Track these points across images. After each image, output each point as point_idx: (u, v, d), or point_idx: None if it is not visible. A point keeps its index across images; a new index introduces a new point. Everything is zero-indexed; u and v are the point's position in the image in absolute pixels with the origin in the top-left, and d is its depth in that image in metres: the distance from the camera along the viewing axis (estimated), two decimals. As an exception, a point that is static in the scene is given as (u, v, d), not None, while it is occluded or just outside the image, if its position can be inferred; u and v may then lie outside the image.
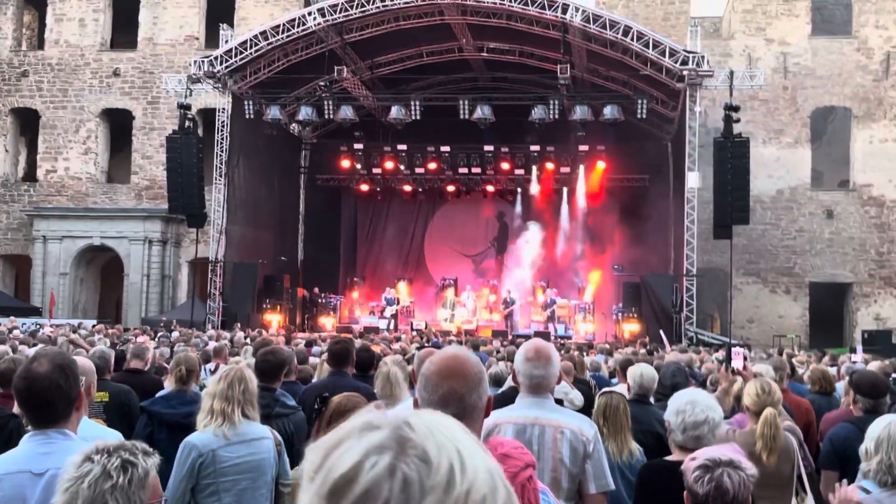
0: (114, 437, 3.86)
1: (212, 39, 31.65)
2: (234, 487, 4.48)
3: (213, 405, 4.50)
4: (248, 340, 15.64)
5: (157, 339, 16.26)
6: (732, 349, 8.80)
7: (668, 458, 4.15)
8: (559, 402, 4.72)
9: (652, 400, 6.54)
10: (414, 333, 24.88)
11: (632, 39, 25.04)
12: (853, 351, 23.54)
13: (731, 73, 26.23)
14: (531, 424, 3.85)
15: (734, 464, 3.03)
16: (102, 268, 34.80)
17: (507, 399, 4.41)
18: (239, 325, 23.81)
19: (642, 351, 16.50)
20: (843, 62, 31.30)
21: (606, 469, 3.97)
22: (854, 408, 5.79)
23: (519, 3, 25.40)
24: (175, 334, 18.66)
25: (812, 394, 8.07)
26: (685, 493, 3.08)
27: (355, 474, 1.03)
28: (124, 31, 34.26)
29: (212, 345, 12.74)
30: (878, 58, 31.14)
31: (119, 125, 34.40)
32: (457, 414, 2.19)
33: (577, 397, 7.67)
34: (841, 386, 8.24)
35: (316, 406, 4.00)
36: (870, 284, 30.93)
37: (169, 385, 6.44)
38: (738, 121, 24.98)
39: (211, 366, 9.85)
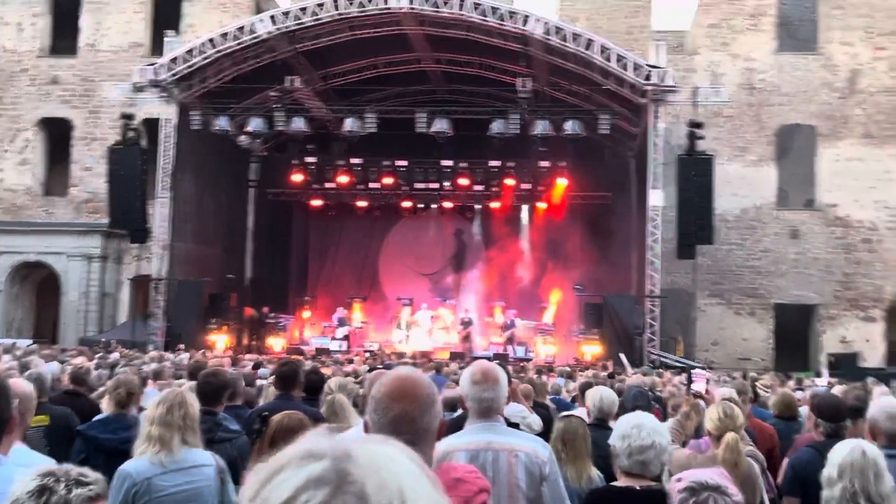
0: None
1: (157, 47, 30.43)
2: None
3: (150, 431, 4.32)
4: (192, 362, 14.79)
5: (95, 360, 15.18)
6: (693, 371, 8.44)
7: (615, 483, 4.04)
8: (516, 426, 4.66)
9: (612, 424, 6.17)
10: (367, 355, 23.86)
11: (594, 53, 24.51)
12: (818, 375, 23.06)
13: (696, 88, 25.85)
14: (484, 450, 3.77)
15: (721, 489, 2.96)
16: (38, 285, 33.36)
17: (461, 424, 4.27)
18: (182, 346, 22.53)
19: (603, 374, 15.72)
20: (809, 79, 30.89)
21: (563, 491, 3.92)
22: (815, 432, 5.71)
23: (478, 14, 24.72)
24: (115, 355, 17.61)
25: (774, 418, 7.91)
26: None
27: None
28: (65, 36, 33.01)
29: (153, 366, 11.92)
30: (843, 75, 30.77)
31: (58, 135, 33.04)
32: (409, 437, 2.12)
33: (536, 422, 7.45)
34: (805, 410, 7.99)
35: (256, 426, 3.90)
36: (836, 306, 30.43)
37: (107, 408, 6.24)
38: (702, 138, 24.69)
39: (150, 389, 9.15)
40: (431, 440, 2.33)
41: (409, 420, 2.28)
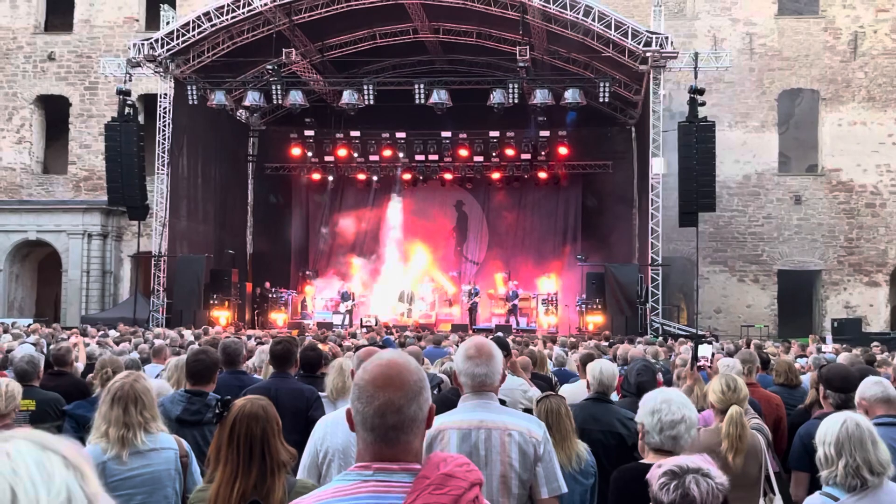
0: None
1: (153, 21, 30.29)
2: (128, 503, 4.18)
3: (108, 432, 4.17)
4: (193, 338, 14.84)
5: (97, 339, 15.11)
6: (700, 346, 8.29)
7: (644, 461, 3.90)
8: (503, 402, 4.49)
9: (615, 397, 6.29)
10: (364, 330, 23.72)
11: (593, 20, 24.24)
12: (823, 340, 22.97)
13: (696, 54, 25.59)
14: (476, 428, 3.68)
15: (703, 471, 2.87)
16: (39, 263, 33.27)
17: (446, 401, 4.23)
18: (183, 328, 22.39)
19: (604, 344, 15.63)
20: (810, 43, 30.53)
21: (558, 471, 3.81)
22: (824, 403, 5.55)
23: (476, -18, 24.37)
24: (114, 333, 17.48)
25: (776, 386, 7.76)
26: None
27: None
28: (59, 12, 32.72)
29: (157, 343, 11.72)
30: (845, 38, 30.41)
31: (55, 112, 32.79)
32: (395, 425, 2.12)
33: (537, 395, 7.04)
34: (808, 378, 8.03)
35: (217, 410, 3.65)
36: (839, 272, 30.26)
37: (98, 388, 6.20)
38: (703, 104, 24.44)
39: (153, 367, 9.10)
40: (420, 428, 2.22)
41: (395, 409, 2.16)
